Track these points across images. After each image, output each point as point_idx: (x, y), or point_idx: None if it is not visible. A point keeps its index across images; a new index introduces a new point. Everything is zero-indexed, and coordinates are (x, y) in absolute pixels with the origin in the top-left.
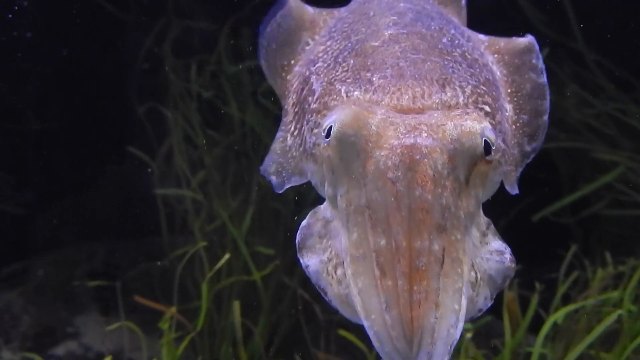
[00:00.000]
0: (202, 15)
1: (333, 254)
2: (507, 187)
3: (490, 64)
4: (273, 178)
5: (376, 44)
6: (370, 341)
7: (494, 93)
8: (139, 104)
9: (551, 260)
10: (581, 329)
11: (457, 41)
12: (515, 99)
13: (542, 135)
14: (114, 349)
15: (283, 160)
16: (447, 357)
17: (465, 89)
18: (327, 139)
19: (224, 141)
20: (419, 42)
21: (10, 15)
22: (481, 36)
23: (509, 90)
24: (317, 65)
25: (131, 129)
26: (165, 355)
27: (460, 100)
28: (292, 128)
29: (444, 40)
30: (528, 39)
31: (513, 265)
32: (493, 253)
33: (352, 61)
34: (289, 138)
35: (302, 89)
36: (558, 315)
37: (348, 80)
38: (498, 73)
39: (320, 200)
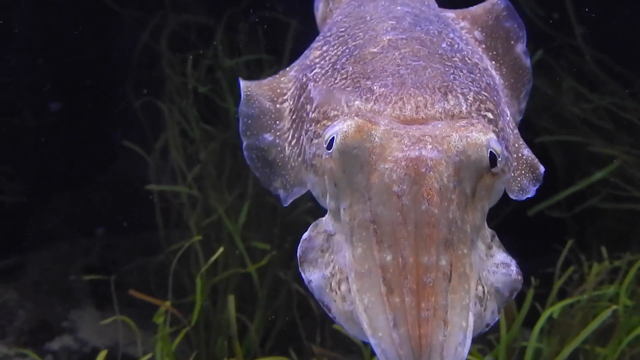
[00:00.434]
0: (198, 10)
1: (336, 269)
2: (511, 194)
3: (490, 68)
4: (281, 192)
5: (375, 50)
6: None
7: (495, 98)
8: (135, 98)
9: (547, 254)
10: (577, 323)
11: (456, 45)
12: (499, 64)
13: (529, 76)
14: (110, 343)
15: (284, 172)
16: None
17: (468, 97)
18: (329, 151)
19: (220, 136)
20: (418, 48)
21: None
22: (449, 13)
23: (491, 54)
24: (314, 72)
25: (127, 123)
26: (159, 349)
27: (463, 108)
28: (290, 137)
29: (444, 45)
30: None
31: (520, 277)
32: (499, 266)
33: (350, 68)
34: (287, 148)
35: (300, 96)
36: (553, 309)
37: (348, 89)
38: (494, 74)
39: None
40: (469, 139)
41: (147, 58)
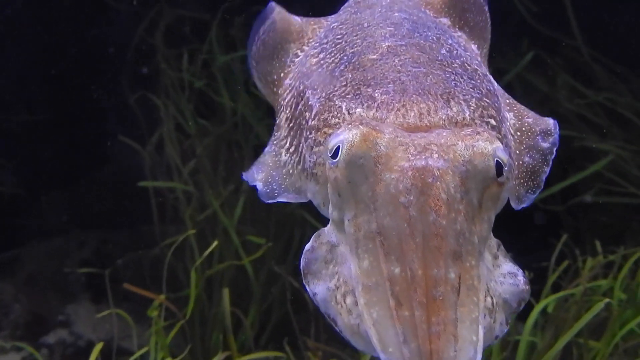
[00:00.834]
0: (194, 4)
1: (341, 281)
2: (513, 203)
3: (489, 74)
4: (260, 184)
5: (374, 56)
6: None
7: (496, 104)
8: (130, 93)
9: (542, 249)
10: (571, 317)
11: (455, 51)
12: (515, 106)
13: (555, 128)
14: (105, 337)
15: (275, 173)
16: None
17: (470, 103)
18: (335, 161)
19: (216, 130)
20: (418, 55)
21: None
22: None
23: (508, 101)
24: (311, 79)
25: (122, 117)
26: (153, 343)
27: (467, 115)
28: (287, 144)
29: (443, 51)
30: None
31: (527, 287)
32: (506, 276)
33: (350, 75)
34: (283, 154)
35: (297, 104)
36: (546, 302)
37: (348, 96)
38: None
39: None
40: (475, 148)
41: (142, 52)
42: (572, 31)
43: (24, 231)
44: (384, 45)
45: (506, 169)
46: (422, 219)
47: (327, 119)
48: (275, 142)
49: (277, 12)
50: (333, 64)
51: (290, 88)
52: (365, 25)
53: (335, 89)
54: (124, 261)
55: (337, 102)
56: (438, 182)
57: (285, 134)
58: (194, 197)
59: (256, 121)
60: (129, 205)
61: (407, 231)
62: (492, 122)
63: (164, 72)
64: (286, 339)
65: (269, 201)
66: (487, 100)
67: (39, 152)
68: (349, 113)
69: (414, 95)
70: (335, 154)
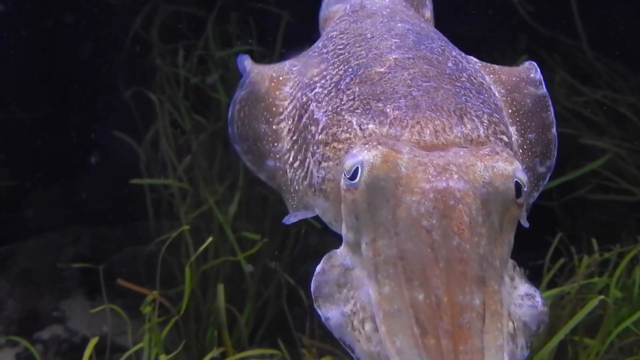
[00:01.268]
0: (189, 0)
1: (358, 306)
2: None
3: (491, 86)
4: (300, 214)
5: (382, 70)
6: None
7: (504, 120)
8: (125, 88)
9: (537, 246)
10: (566, 315)
11: (460, 64)
12: (517, 119)
13: (554, 150)
14: (100, 333)
15: (288, 196)
16: None
17: (483, 119)
18: (354, 182)
19: (211, 126)
20: (427, 68)
21: None
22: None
23: (510, 111)
24: (315, 91)
25: (118, 113)
26: (147, 339)
27: (481, 132)
28: (291, 159)
29: (449, 64)
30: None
31: (545, 309)
32: (524, 298)
33: (357, 89)
34: (288, 170)
35: (301, 116)
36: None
37: (357, 111)
38: (497, 94)
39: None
40: (495, 169)
41: (137, 48)
42: (570, 29)
43: (19, 226)
44: (390, 58)
45: (525, 190)
46: (445, 243)
47: (336, 133)
48: (278, 156)
49: (253, 71)
50: (337, 76)
51: (291, 97)
52: (369, 35)
53: (342, 102)
54: (118, 257)
55: (346, 117)
56: (460, 205)
57: (289, 147)
58: (189, 193)
59: None
60: (124, 201)
61: (431, 256)
62: (505, 138)
63: (159, 67)
64: (281, 335)
65: (288, 223)
66: (497, 116)
67: (33, 147)
68: (360, 129)
69: (427, 112)
70: (354, 176)
